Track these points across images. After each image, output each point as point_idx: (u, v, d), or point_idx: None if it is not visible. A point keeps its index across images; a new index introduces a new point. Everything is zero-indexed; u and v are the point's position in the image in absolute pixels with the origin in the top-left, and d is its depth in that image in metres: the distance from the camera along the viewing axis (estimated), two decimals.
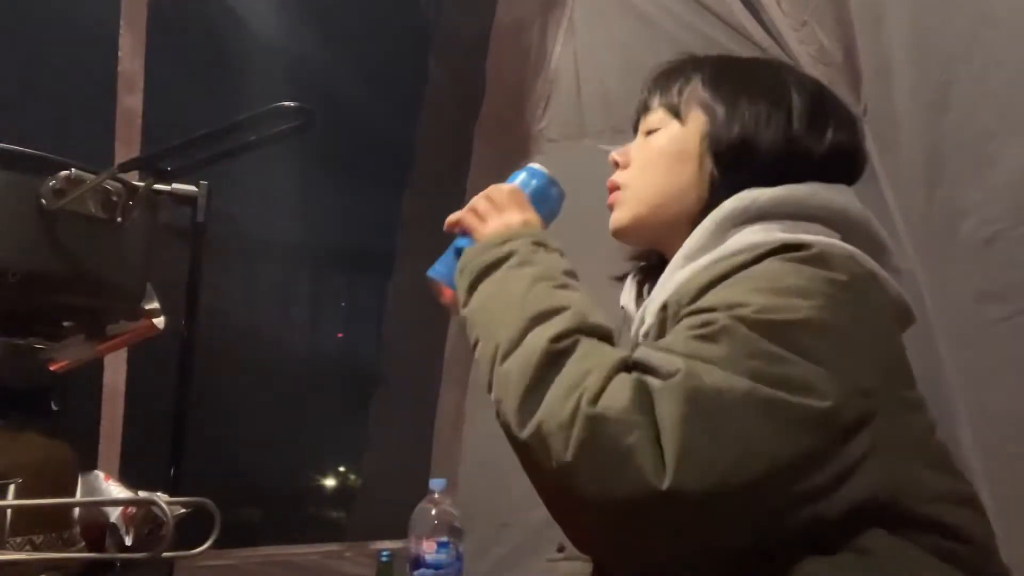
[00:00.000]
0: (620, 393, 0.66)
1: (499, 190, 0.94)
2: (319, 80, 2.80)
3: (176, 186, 1.01)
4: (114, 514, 0.93)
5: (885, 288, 0.80)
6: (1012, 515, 1.42)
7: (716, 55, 0.98)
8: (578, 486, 0.65)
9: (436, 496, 1.50)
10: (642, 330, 0.85)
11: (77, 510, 0.87)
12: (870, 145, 1.69)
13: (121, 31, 2.06)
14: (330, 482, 3.05)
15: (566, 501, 0.69)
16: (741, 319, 0.69)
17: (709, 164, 0.89)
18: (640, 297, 0.98)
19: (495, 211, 0.92)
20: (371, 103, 2.94)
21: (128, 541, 0.91)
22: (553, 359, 0.71)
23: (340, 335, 3.24)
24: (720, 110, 0.89)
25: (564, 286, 0.80)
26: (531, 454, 0.70)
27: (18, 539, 0.76)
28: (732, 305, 0.71)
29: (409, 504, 1.53)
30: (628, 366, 0.70)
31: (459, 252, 0.91)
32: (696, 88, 0.92)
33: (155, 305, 1.12)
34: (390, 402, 2.72)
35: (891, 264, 0.86)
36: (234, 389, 2.53)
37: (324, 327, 3.23)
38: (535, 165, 0.99)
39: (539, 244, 0.85)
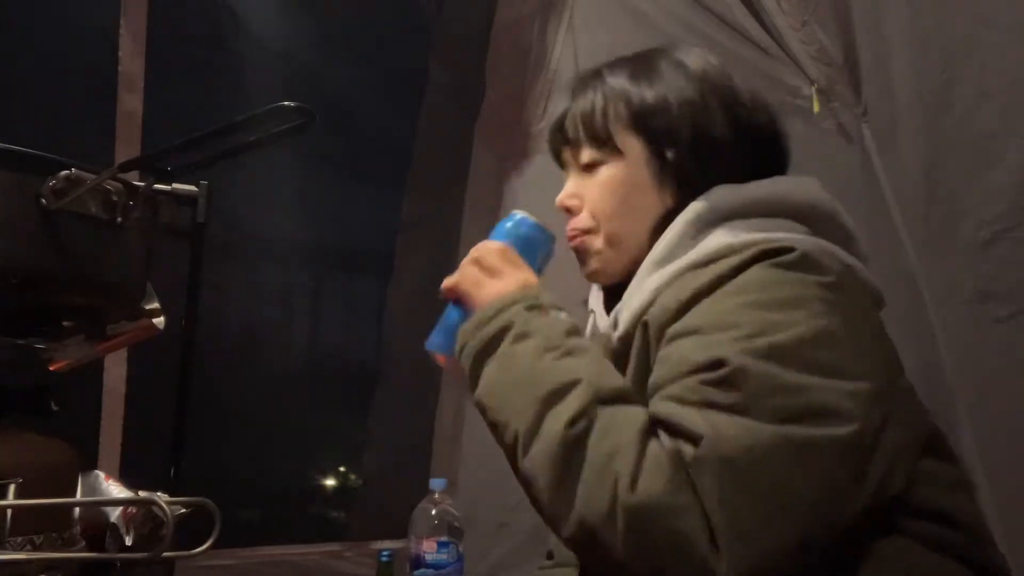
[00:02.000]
0: (657, 474, 0.64)
1: (488, 251, 0.88)
2: (319, 80, 2.80)
3: (176, 186, 1.01)
4: (114, 514, 0.93)
5: (862, 278, 0.81)
6: (1012, 515, 1.42)
7: (614, 66, 0.94)
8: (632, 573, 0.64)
9: (436, 496, 1.50)
10: (617, 334, 0.85)
11: (77, 510, 0.87)
12: (870, 145, 1.69)
13: (121, 31, 2.06)
14: (330, 482, 3.05)
15: None
16: (748, 352, 0.67)
17: (665, 182, 0.88)
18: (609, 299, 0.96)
19: (486, 275, 0.86)
20: (371, 103, 2.94)
21: (128, 541, 0.91)
22: (574, 445, 0.68)
23: (340, 335, 3.23)
24: (655, 130, 0.88)
25: (569, 352, 0.75)
26: (583, 548, 0.69)
27: (18, 539, 0.76)
28: (725, 327, 0.70)
29: (409, 504, 1.53)
30: (651, 430, 0.68)
31: (453, 321, 0.88)
32: (620, 114, 0.89)
33: (155, 305, 1.12)
34: (390, 402, 2.72)
35: (860, 251, 0.86)
36: (234, 389, 2.53)
37: (324, 327, 3.22)
38: (519, 213, 0.94)
39: (534, 308, 0.80)
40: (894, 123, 1.66)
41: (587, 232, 0.92)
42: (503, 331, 0.79)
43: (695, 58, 0.92)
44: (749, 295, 0.72)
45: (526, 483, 0.72)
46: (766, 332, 0.68)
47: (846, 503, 0.66)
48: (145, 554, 0.81)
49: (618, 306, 0.87)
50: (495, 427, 0.77)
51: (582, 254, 0.93)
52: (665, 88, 0.89)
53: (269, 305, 2.94)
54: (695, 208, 0.84)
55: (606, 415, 0.69)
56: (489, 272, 0.86)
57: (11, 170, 0.80)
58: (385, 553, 1.52)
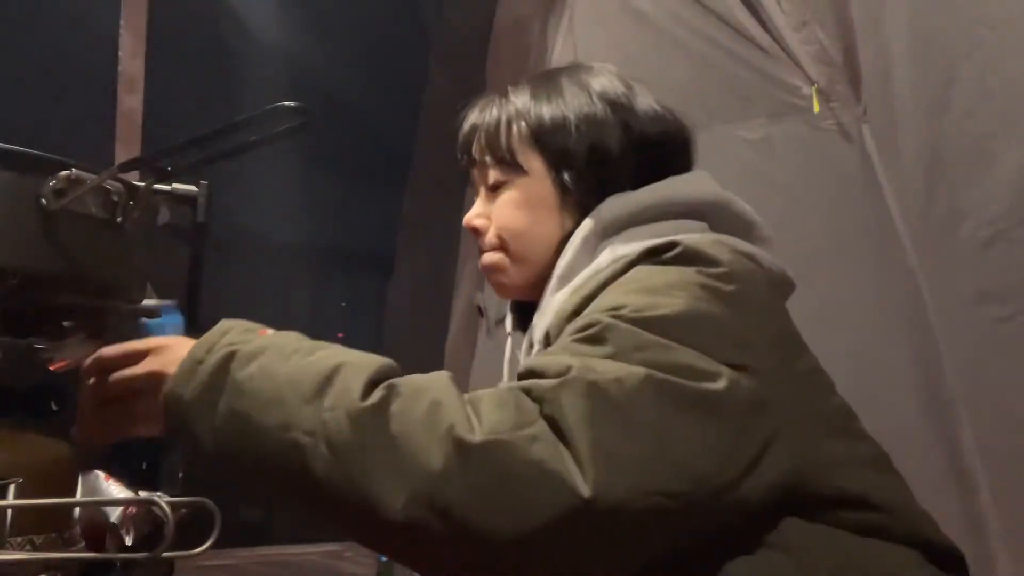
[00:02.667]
0: (498, 410, 0.59)
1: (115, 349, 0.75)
2: (319, 80, 2.80)
3: (176, 186, 1.01)
4: (114, 514, 0.93)
5: (761, 263, 0.81)
6: (1012, 515, 1.43)
7: (518, 85, 0.95)
8: (487, 530, 0.56)
9: None
10: (532, 354, 0.86)
11: (77, 510, 0.87)
12: (870, 145, 1.69)
13: (121, 31, 2.06)
14: None
15: (476, 555, 0.58)
16: (620, 317, 0.68)
17: (567, 199, 0.89)
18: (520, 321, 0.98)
19: (159, 356, 0.71)
20: (371, 103, 2.95)
21: (128, 541, 0.91)
22: (375, 413, 0.59)
23: (340, 335, 3.23)
24: (555, 146, 0.89)
25: (314, 348, 0.67)
26: (418, 530, 0.57)
27: (18, 539, 0.76)
28: (608, 309, 0.70)
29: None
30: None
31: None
32: (521, 133, 0.91)
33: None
34: None
35: (761, 235, 0.87)
36: None
37: (324, 327, 3.22)
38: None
39: (248, 330, 0.70)
40: (894, 123, 1.66)
41: (494, 251, 0.93)
42: (225, 361, 0.66)
43: (597, 76, 0.92)
44: (631, 285, 0.73)
45: (325, 495, 0.60)
46: (642, 310, 0.68)
47: (718, 462, 0.63)
48: (145, 554, 0.81)
49: (531, 327, 0.89)
50: (260, 471, 0.63)
51: (490, 272, 0.95)
52: (564, 106, 0.90)
53: (269, 304, 2.94)
54: (589, 222, 0.85)
55: (403, 381, 0.62)
56: (154, 351, 0.72)
57: (11, 170, 0.80)
58: None
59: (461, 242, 2.61)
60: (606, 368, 0.63)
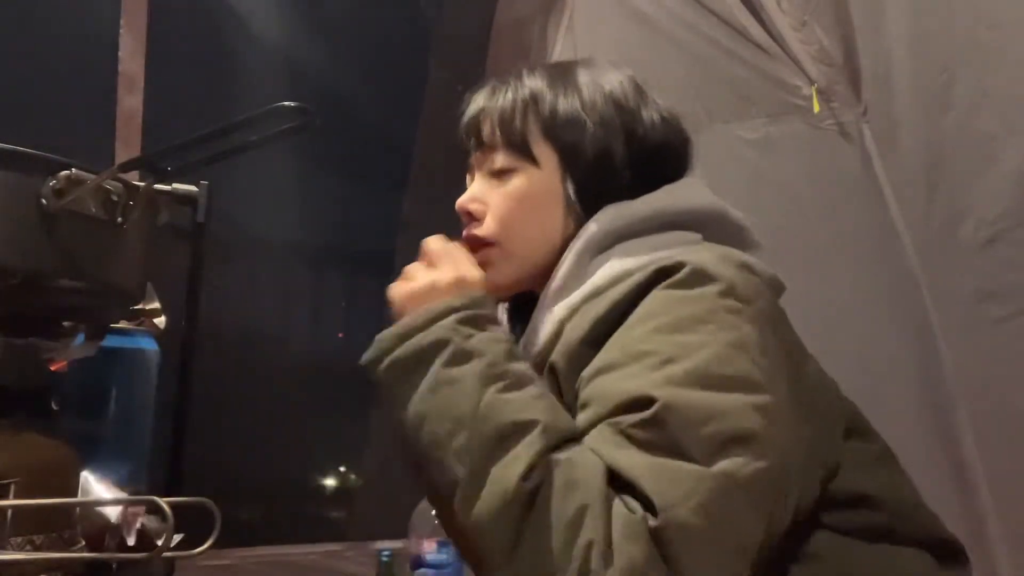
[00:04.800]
0: (632, 542, 0.60)
1: (431, 241, 0.82)
2: (319, 80, 2.80)
3: (176, 186, 1.01)
4: (114, 514, 0.93)
5: (758, 271, 0.79)
6: (1012, 515, 1.43)
7: (534, 71, 0.92)
8: None
9: None
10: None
11: (77, 510, 0.87)
12: (870, 145, 1.69)
13: (121, 31, 2.06)
14: (330, 482, 3.05)
15: None
16: (668, 382, 0.66)
17: (571, 197, 0.86)
18: (513, 320, 0.94)
19: (421, 267, 0.80)
20: (371, 103, 2.94)
21: (129, 541, 0.91)
22: (532, 501, 0.62)
23: (340, 335, 3.23)
24: (567, 143, 0.86)
25: (515, 383, 0.69)
26: None
27: (18, 539, 0.76)
28: (640, 356, 0.68)
29: (409, 504, 1.53)
30: (609, 482, 0.63)
31: None
32: (537, 122, 0.87)
33: (155, 305, 1.13)
34: None
35: (751, 241, 0.87)
36: (234, 389, 2.52)
37: (324, 327, 3.22)
38: None
39: (471, 320, 0.72)
40: (894, 123, 1.66)
41: (486, 243, 0.88)
42: (436, 347, 0.70)
43: (609, 76, 0.90)
44: (654, 320, 0.71)
45: (469, 530, 0.64)
46: (679, 357, 0.67)
47: (777, 525, 0.68)
48: (145, 554, 0.81)
49: (523, 340, 0.86)
50: (427, 458, 0.69)
51: (482, 265, 0.88)
52: (579, 102, 0.87)
53: (269, 305, 2.94)
54: (587, 233, 0.83)
55: (564, 465, 0.64)
56: (427, 261, 0.80)
57: (11, 170, 0.80)
58: (385, 553, 1.52)
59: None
60: (685, 493, 0.61)
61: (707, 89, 1.88)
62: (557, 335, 0.80)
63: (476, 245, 0.88)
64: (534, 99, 0.88)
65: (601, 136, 0.86)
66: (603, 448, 0.65)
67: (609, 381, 0.69)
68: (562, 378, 0.76)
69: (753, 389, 0.67)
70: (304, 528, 2.79)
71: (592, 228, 0.83)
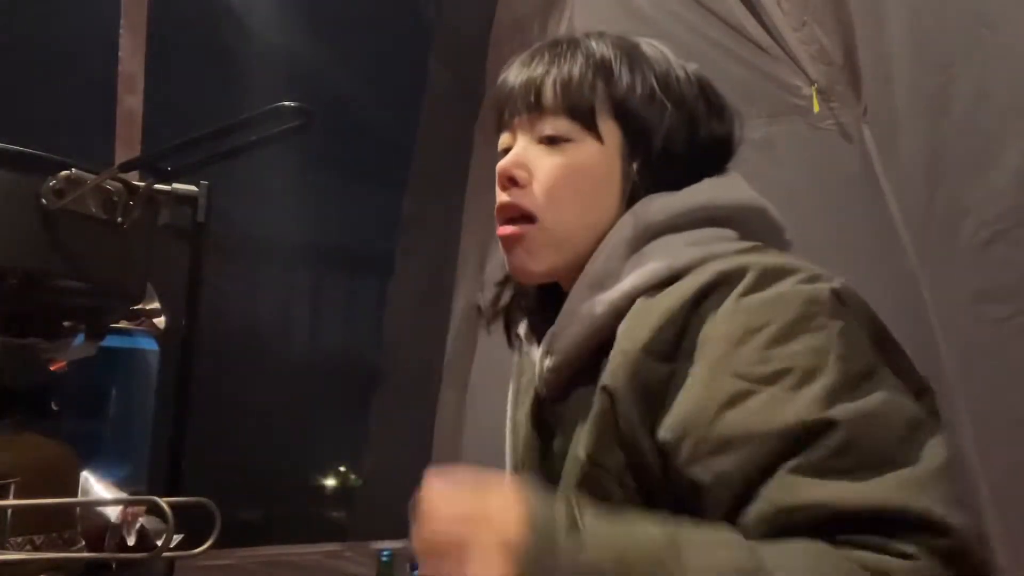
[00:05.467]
0: None
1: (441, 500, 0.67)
2: (319, 80, 2.80)
3: (176, 186, 1.01)
4: (114, 514, 0.93)
5: (799, 268, 0.73)
6: (1012, 515, 1.43)
7: (601, 40, 0.83)
8: None
9: None
10: (549, 364, 0.79)
11: (77, 510, 0.87)
12: (870, 145, 1.69)
13: (121, 31, 2.06)
14: (330, 482, 3.05)
15: None
16: (828, 395, 0.61)
17: (636, 182, 0.78)
18: (532, 321, 0.88)
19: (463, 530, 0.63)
20: (371, 103, 2.94)
21: (129, 541, 0.91)
22: None
23: (340, 335, 3.24)
24: (643, 121, 0.78)
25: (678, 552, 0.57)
26: None
27: (18, 539, 0.76)
28: (776, 377, 0.63)
29: (409, 504, 1.53)
30: (830, 539, 0.57)
31: None
32: (605, 94, 0.79)
33: (155, 305, 1.13)
34: (390, 401, 2.72)
35: (787, 240, 0.84)
36: (234, 389, 2.52)
37: (324, 327, 3.22)
38: None
39: (573, 528, 0.58)
40: (894, 123, 1.66)
41: (526, 216, 0.79)
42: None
43: (673, 57, 0.83)
44: (760, 334, 0.65)
45: None
46: (816, 367, 0.63)
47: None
48: (145, 554, 0.81)
49: (550, 332, 0.80)
50: None
51: (513, 242, 0.80)
52: (655, 81, 0.79)
53: (269, 305, 2.94)
54: (627, 224, 0.76)
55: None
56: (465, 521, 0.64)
57: (11, 170, 0.80)
58: (385, 553, 1.52)
59: (461, 242, 2.61)
60: (923, 509, 0.57)
61: None
62: (591, 337, 0.75)
63: (515, 216, 0.80)
64: (606, 69, 0.79)
65: (675, 121, 0.79)
66: (805, 492, 0.58)
67: (750, 415, 0.62)
68: (619, 396, 0.69)
69: (879, 373, 0.65)
70: (304, 528, 2.79)
71: (632, 219, 0.76)
